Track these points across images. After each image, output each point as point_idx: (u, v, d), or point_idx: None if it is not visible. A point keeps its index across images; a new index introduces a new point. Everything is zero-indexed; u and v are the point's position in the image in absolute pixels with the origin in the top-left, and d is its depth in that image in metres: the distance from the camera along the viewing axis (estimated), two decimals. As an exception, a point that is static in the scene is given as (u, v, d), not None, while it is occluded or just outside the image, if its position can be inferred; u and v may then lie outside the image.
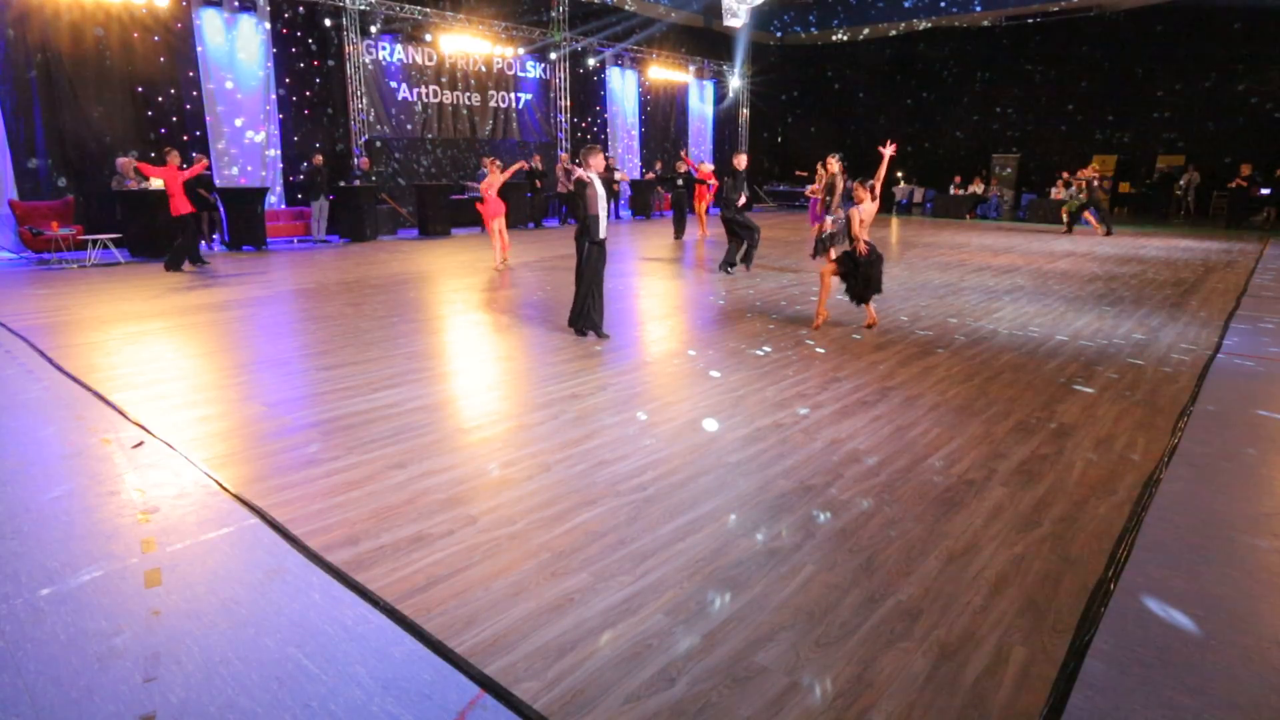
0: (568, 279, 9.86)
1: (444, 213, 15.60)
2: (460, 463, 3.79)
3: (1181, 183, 19.40)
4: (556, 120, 19.50)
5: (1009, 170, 21.67)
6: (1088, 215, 16.56)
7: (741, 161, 10.24)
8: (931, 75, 23.00)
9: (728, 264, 10.38)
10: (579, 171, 6.28)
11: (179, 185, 10.27)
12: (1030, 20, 20.89)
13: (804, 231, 16.57)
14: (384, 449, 3.96)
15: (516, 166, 11.47)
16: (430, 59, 16.72)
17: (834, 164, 10.66)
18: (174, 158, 10.35)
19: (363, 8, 14.99)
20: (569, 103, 19.49)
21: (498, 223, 10.74)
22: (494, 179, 10.71)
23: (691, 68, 22.78)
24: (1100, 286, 9.46)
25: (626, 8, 20.29)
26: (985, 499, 3.40)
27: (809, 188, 17.64)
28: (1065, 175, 18.15)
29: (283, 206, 14.65)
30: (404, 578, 2.69)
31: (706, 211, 15.69)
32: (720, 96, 24.59)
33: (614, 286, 9.56)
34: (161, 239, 11.87)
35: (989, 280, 9.97)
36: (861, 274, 6.70)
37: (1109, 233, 15.92)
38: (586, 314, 6.62)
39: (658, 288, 9.52)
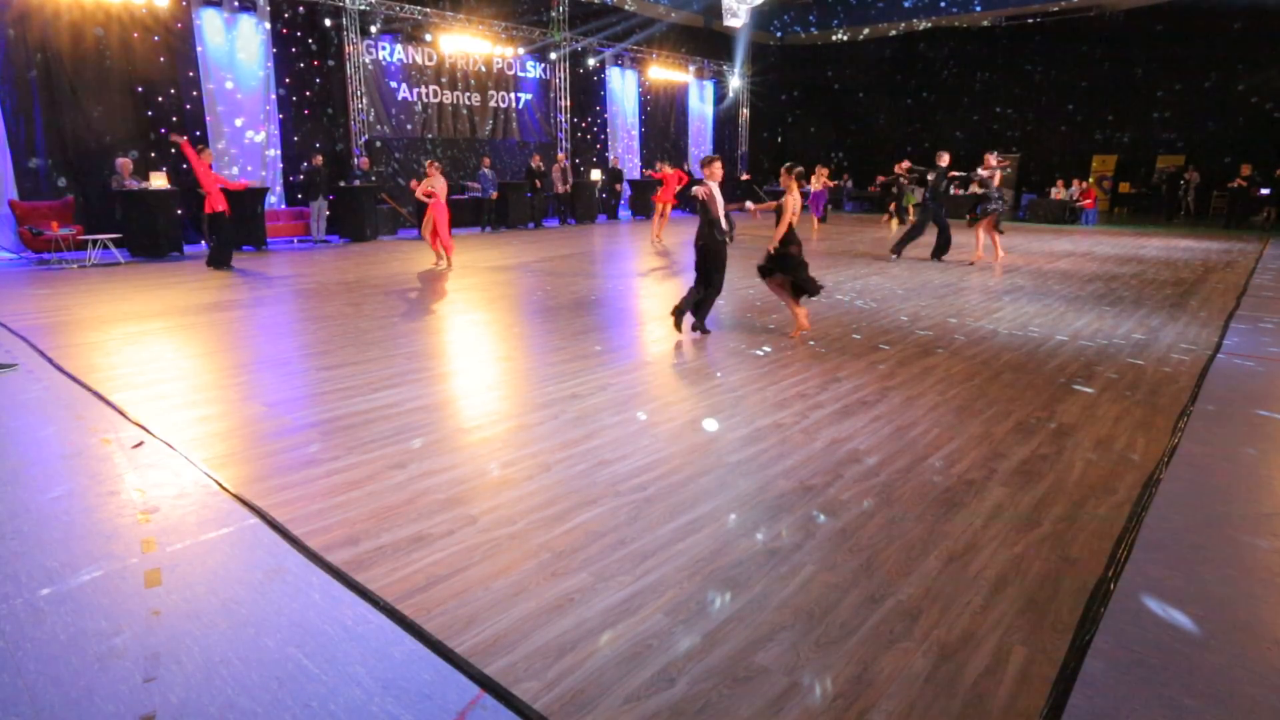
0: (568, 279, 9.89)
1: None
2: (460, 463, 3.79)
3: (1182, 181, 19.41)
4: (556, 120, 19.51)
5: (1009, 170, 21.66)
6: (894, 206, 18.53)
7: (944, 158, 11.42)
8: (931, 75, 23.00)
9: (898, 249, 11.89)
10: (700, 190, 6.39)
11: (213, 184, 10.46)
12: (1030, 20, 20.90)
13: (804, 231, 16.57)
14: (384, 449, 3.96)
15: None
16: (430, 59, 16.72)
17: (993, 160, 11.41)
18: (208, 155, 10.60)
19: (363, 8, 14.99)
20: (569, 103, 19.49)
21: (440, 226, 10.60)
22: (438, 182, 10.52)
23: (691, 68, 22.78)
24: (1100, 286, 9.46)
25: (626, 8, 20.29)
26: (985, 499, 3.40)
27: (812, 183, 17.72)
28: (881, 178, 19.92)
29: (283, 206, 14.65)
30: (404, 578, 2.69)
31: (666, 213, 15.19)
32: (720, 96, 24.59)
33: (614, 286, 9.57)
34: (162, 239, 11.91)
35: (989, 280, 9.97)
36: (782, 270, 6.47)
37: (900, 221, 18.22)
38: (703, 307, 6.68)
39: (657, 288, 9.53)
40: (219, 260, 10.74)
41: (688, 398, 4.90)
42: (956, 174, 11.69)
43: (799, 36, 25.74)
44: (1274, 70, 17.73)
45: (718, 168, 6.50)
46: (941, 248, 11.75)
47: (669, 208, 15.05)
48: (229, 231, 10.85)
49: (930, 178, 11.54)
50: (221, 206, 10.56)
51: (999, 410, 4.66)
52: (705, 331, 6.72)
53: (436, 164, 11.00)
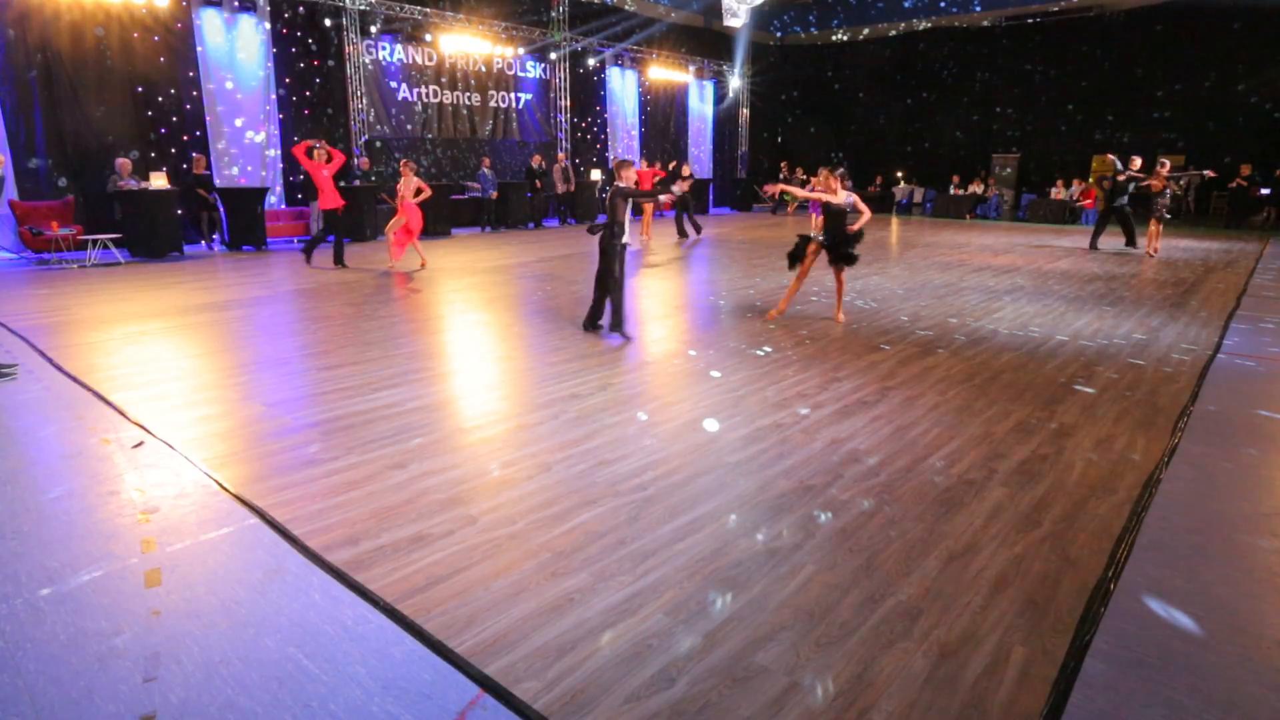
0: (568, 279, 9.88)
1: (444, 213, 15.59)
2: (460, 463, 3.79)
3: (1182, 182, 19.41)
4: (556, 120, 19.50)
5: (1009, 170, 21.66)
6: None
7: (1136, 162, 12.50)
8: (931, 75, 22.99)
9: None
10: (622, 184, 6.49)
11: (328, 180, 10.54)
12: (1030, 20, 20.89)
13: (804, 231, 16.55)
14: (384, 449, 3.96)
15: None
16: (430, 59, 16.71)
17: (1166, 167, 12.32)
18: (320, 154, 10.69)
19: (363, 8, 14.99)
20: (569, 103, 19.49)
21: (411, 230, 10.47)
22: (411, 183, 10.34)
23: (691, 68, 22.78)
24: (1100, 286, 9.46)
25: (626, 8, 20.28)
26: (985, 499, 3.40)
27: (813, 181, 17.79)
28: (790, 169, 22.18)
29: (283, 206, 14.65)
30: (404, 578, 2.69)
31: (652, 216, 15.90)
32: (720, 96, 24.58)
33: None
34: (162, 239, 11.91)
35: (989, 280, 9.97)
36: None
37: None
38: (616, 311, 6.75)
39: (657, 288, 9.52)
40: (337, 256, 10.97)
41: (688, 398, 4.90)
42: (1136, 176, 12.83)
43: (799, 36, 25.74)
44: (1274, 70, 17.73)
45: (628, 172, 6.55)
46: (1130, 239, 13.37)
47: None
48: (340, 228, 10.95)
49: (1120, 178, 12.84)
50: (335, 204, 10.64)
51: (999, 410, 4.66)
52: (626, 337, 6.50)
53: (410, 164, 10.80)
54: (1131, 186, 12.70)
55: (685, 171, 15.00)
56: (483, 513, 3.22)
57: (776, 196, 20.32)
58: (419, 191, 10.34)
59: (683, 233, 15.06)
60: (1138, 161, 12.72)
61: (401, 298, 8.68)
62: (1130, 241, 13.26)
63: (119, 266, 11.02)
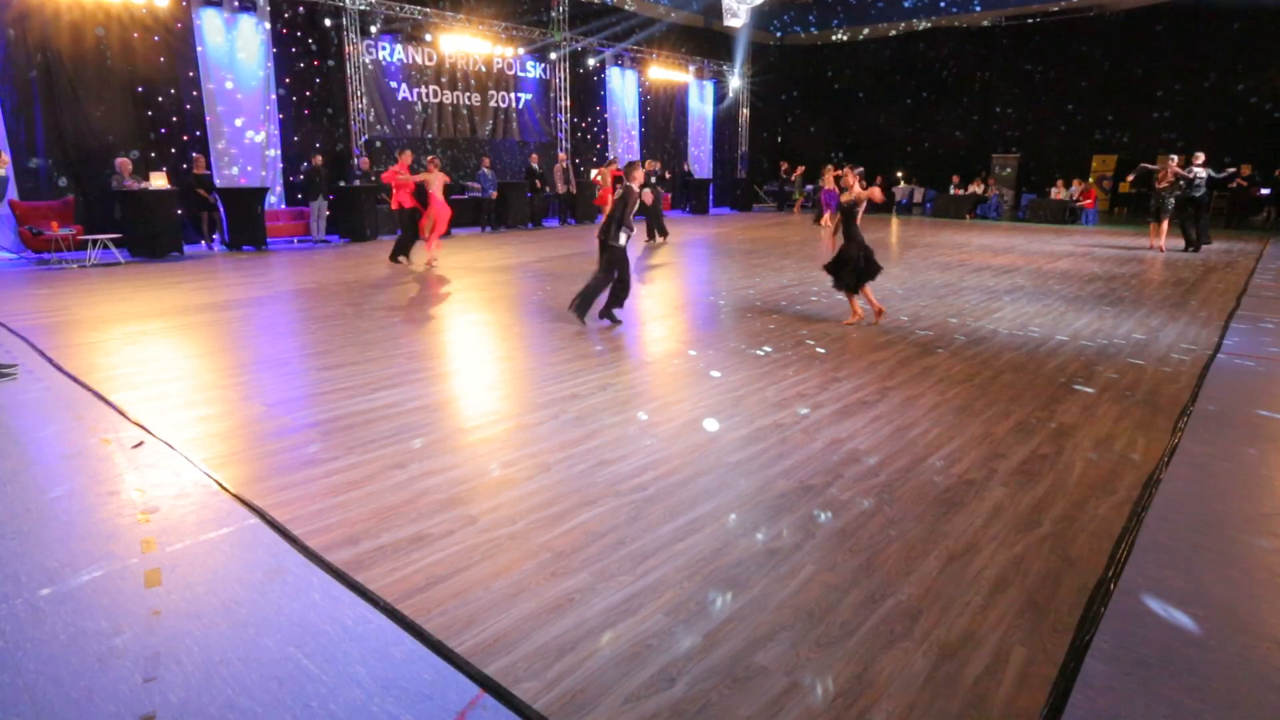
0: (568, 279, 9.87)
1: (444, 213, 15.59)
2: (460, 463, 3.79)
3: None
4: (556, 120, 19.50)
5: (1009, 170, 21.66)
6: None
7: (1200, 158, 12.74)
8: (931, 75, 22.99)
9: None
10: (633, 185, 6.83)
11: (410, 185, 10.96)
12: (1030, 20, 20.89)
13: (806, 230, 16.56)
14: (384, 449, 3.96)
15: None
16: (430, 59, 16.72)
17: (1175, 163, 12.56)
18: (406, 157, 11.20)
19: (363, 8, 14.99)
20: (569, 103, 19.49)
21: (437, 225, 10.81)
22: (437, 178, 10.67)
23: (691, 68, 22.78)
24: (1100, 286, 9.46)
25: (626, 8, 20.29)
26: (985, 499, 3.40)
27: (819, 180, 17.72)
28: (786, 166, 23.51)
29: (283, 206, 14.65)
30: (404, 578, 2.69)
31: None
32: (720, 96, 24.58)
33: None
34: (162, 239, 11.91)
35: (989, 280, 9.97)
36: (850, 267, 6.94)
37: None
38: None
39: (657, 288, 9.52)
40: (400, 250, 11.28)
41: (688, 398, 4.90)
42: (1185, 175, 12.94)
43: (799, 36, 25.74)
44: (1274, 70, 17.73)
45: (638, 173, 6.95)
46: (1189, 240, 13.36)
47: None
48: (408, 229, 11.24)
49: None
50: (409, 204, 10.98)
51: (999, 410, 4.66)
52: (615, 321, 7.06)
53: (436, 160, 11.14)
54: (1197, 181, 12.63)
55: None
56: (483, 513, 3.22)
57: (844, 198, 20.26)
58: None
59: (651, 236, 14.86)
60: (1201, 157, 12.72)
61: (403, 297, 8.68)
62: (1189, 240, 13.19)
63: (119, 266, 11.02)
